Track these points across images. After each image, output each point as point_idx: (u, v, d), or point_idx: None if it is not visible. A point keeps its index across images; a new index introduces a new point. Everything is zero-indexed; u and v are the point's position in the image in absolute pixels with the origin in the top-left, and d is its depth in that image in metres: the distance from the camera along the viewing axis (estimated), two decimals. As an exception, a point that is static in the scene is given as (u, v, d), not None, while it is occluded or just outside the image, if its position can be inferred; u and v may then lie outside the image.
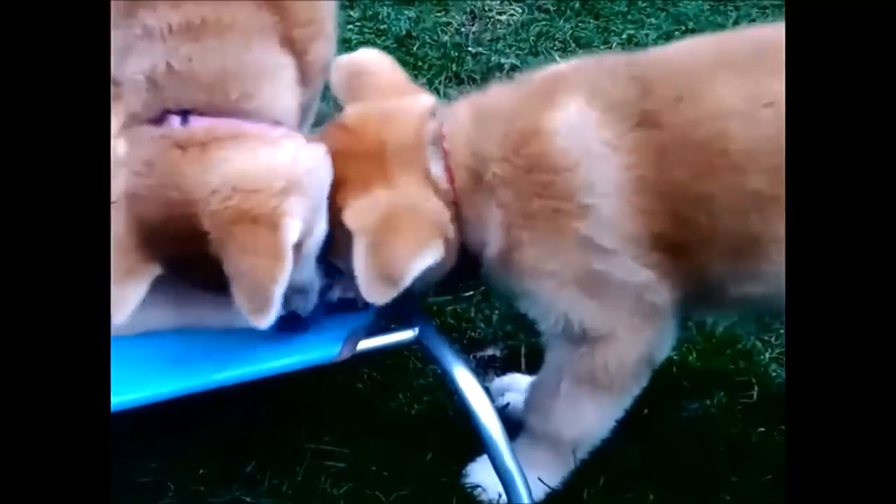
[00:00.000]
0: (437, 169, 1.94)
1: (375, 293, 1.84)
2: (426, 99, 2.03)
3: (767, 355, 2.54)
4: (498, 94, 2.03)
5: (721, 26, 3.96)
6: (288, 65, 2.00)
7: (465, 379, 2.02)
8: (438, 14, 4.09)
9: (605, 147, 1.86)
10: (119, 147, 1.90)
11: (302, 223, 1.84)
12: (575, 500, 2.16)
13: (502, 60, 3.71)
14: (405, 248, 1.85)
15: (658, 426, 2.33)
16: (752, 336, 2.59)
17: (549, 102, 1.92)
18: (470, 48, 3.80)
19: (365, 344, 2.02)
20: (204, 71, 1.88)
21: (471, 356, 2.50)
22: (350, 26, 3.77)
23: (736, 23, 3.99)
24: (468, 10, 4.15)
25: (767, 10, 4.08)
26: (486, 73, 3.64)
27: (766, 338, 2.59)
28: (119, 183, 1.86)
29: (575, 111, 1.89)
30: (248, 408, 2.25)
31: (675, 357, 2.46)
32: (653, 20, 4.04)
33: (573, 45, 3.87)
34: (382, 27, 3.88)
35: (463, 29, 4.02)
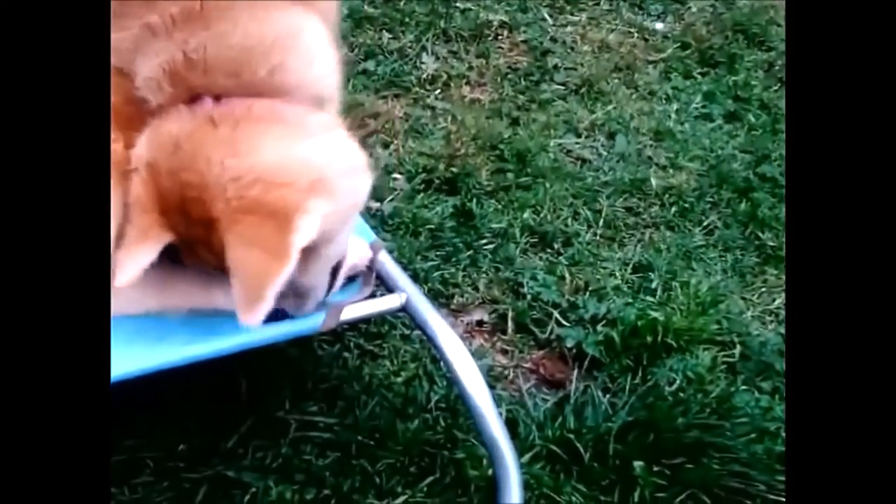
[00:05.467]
0: None
1: None
2: None
3: (749, 314, 2.57)
4: None
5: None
6: (311, 23, 1.86)
7: (451, 345, 1.99)
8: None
9: None
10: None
11: (321, 227, 1.73)
12: (566, 464, 2.18)
13: (490, 17, 3.69)
14: None
15: (643, 387, 2.35)
16: (734, 294, 2.61)
17: None
18: (458, 4, 3.77)
19: (349, 313, 1.99)
20: (223, 55, 1.77)
21: (458, 321, 2.51)
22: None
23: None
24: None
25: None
26: (474, 30, 3.63)
27: (747, 297, 2.62)
28: (142, 150, 1.78)
29: None
30: (230, 380, 2.23)
31: (660, 317, 2.48)
32: (644, -27, 4.02)
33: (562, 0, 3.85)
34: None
35: (451, -17, 3.99)
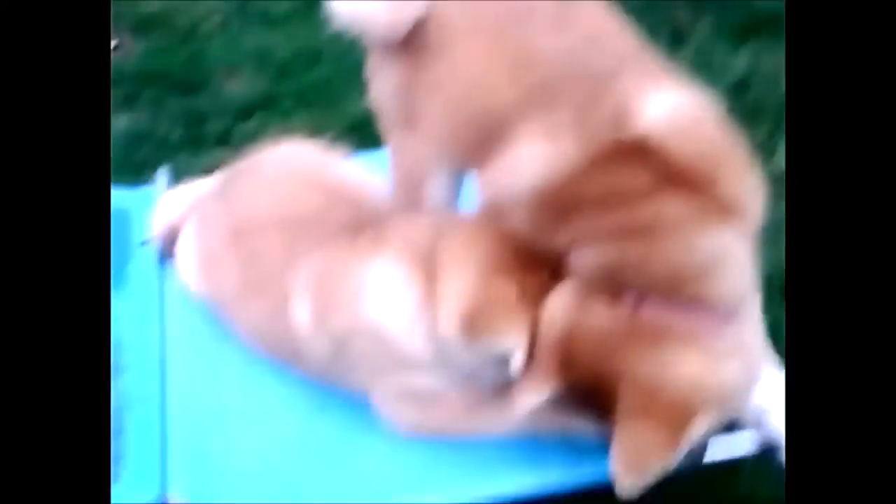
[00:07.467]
0: None
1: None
2: None
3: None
4: None
5: None
6: (737, 244, 2.02)
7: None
8: (780, 55, 3.66)
9: None
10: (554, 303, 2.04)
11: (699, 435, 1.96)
12: None
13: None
14: None
15: None
16: None
17: None
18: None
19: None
20: (660, 268, 1.96)
21: None
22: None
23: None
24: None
25: None
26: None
27: None
28: (559, 314, 2.02)
29: None
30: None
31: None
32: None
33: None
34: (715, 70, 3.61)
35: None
